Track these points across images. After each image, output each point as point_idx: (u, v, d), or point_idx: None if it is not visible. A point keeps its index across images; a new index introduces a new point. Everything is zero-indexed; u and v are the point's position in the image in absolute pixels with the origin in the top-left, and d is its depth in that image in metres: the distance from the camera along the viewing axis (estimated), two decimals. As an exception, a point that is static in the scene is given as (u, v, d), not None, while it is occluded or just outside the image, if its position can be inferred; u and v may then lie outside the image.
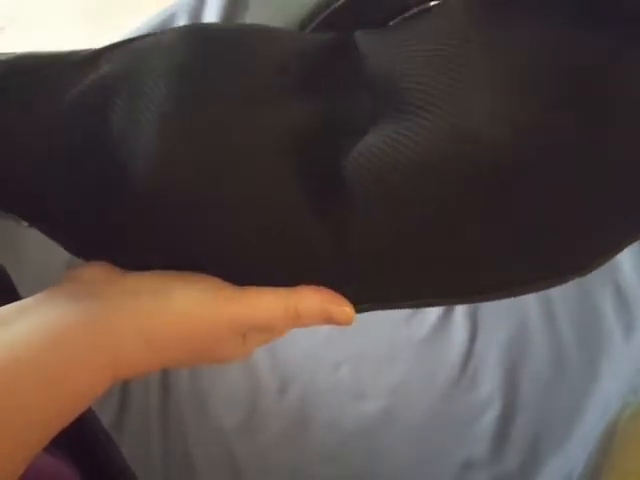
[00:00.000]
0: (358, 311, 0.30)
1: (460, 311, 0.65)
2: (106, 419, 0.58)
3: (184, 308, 0.27)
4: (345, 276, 0.28)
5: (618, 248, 0.29)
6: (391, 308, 0.30)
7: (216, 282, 0.28)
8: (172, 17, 0.69)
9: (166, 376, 0.62)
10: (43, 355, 0.25)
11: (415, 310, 0.66)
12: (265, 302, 0.28)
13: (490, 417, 0.59)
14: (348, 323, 0.28)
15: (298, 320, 0.28)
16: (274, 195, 0.27)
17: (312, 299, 0.27)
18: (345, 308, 0.28)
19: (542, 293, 0.65)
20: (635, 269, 0.66)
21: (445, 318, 0.65)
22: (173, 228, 0.28)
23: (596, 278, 0.66)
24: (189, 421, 0.60)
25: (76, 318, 0.27)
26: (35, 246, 0.61)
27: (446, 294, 0.29)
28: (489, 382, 0.61)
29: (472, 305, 0.65)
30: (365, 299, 0.30)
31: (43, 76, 0.29)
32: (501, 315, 0.65)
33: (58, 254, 0.67)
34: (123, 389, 0.61)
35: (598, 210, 0.28)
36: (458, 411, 0.60)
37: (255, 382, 0.62)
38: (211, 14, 0.68)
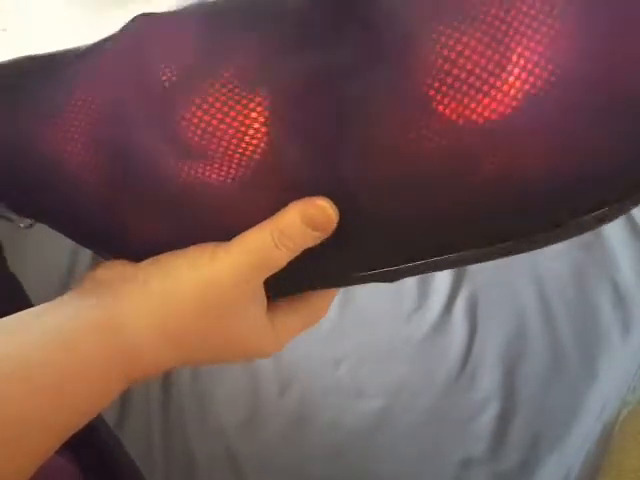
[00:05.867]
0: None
1: (459, 310, 0.66)
2: (108, 418, 0.59)
3: (187, 281, 0.27)
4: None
5: None
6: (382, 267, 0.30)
7: (208, 246, 0.28)
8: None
9: (167, 375, 0.62)
10: (54, 356, 0.25)
11: (415, 309, 0.66)
12: (251, 239, 0.27)
13: (489, 416, 0.59)
14: (330, 220, 0.27)
15: (288, 239, 0.27)
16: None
17: (290, 213, 0.27)
18: (319, 202, 0.27)
19: (540, 293, 0.66)
20: (633, 268, 0.66)
21: (444, 317, 0.65)
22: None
23: (594, 277, 0.66)
24: (190, 420, 0.60)
25: (88, 318, 0.27)
26: (36, 248, 0.62)
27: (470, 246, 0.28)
28: (488, 381, 0.61)
29: (471, 304, 0.66)
30: (366, 267, 0.29)
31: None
32: (500, 314, 0.65)
33: (59, 256, 0.67)
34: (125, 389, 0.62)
35: None
36: (457, 410, 0.60)
37: (255, 382, 0.62)
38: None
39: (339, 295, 0.67)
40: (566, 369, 0.61)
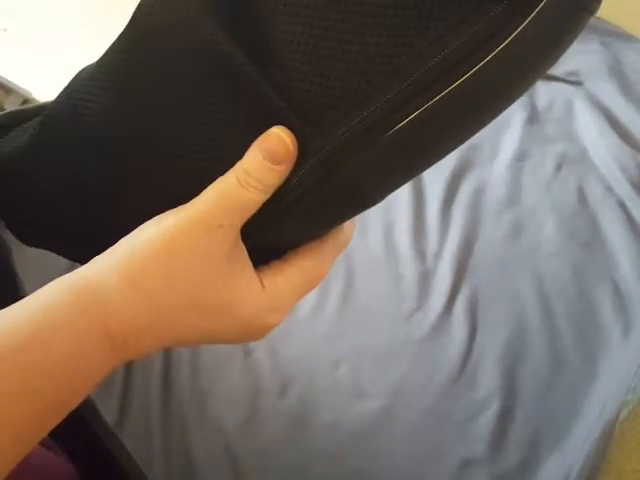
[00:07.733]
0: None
1: (459, 310, 0.66)
2: (107, 418, 0.59)
3: (153, 233, 0.27)
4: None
5: None
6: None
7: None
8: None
9: (167, 375, 0.62)
10: (23, 323, 0.24)
11: (415, 309, 0.66)
12: (217, 185, 0.27)
13: (489, 416, 0.59)
14: (287, 148, 0.26)
15: (253, 178, 0.27)
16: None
17: (251, 150, 0.27)
18: (272, 130, 0.26)
19: (540, 293, 0.66)
20: (633, 268, 0.66)
21: (444, 317, 0.65)
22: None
23: (594, 277, 0.66)
24: (190, 420, 0.60)
25: (58, 286, 0.27)
26: (35, 249, 0.62)
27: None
28: (488, 381, 0.61)
29: (471, 304, 0.66)
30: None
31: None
32: (500, 315, 0.65)
33: (58, 257, 0.67)
34: (124, 388, 0.62)
35: None
36: (457, 410, 0.60)
37: (255, 382, 0.62)
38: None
39: (339, 295, 0.68)
40: (566, 369, 0.61)
